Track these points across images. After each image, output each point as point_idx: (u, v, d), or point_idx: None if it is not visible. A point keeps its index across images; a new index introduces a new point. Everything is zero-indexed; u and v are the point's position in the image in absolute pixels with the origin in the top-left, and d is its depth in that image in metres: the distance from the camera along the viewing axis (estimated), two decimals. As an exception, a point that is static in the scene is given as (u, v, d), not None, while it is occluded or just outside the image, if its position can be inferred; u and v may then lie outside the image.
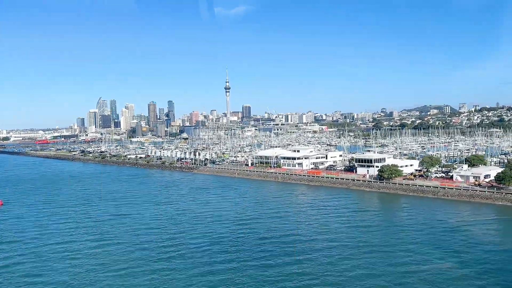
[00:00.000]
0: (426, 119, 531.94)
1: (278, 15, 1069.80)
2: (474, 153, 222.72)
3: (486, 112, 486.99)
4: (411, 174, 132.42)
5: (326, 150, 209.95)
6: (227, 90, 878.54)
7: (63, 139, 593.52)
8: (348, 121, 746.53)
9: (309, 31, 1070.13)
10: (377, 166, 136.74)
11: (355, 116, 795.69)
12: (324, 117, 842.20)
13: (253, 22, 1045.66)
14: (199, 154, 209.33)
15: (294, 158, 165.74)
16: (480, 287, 53.14)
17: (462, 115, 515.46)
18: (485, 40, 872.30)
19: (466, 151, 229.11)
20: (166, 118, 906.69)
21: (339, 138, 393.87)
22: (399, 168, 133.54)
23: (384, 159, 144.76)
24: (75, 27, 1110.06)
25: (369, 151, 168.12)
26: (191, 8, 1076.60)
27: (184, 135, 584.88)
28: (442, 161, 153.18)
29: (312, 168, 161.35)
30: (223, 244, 72.63)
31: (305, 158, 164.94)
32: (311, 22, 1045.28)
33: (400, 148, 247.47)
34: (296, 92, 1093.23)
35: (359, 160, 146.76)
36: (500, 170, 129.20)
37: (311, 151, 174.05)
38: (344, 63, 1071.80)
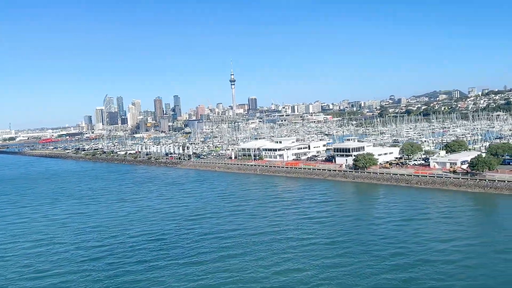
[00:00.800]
0: (432, 104, 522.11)
1: (286, 2, 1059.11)
2: (470, 137, 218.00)
3: (493, 95, 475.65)
4: (387, 162, 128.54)
5: (313, 140, 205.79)
6: (232, 83, 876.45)
7: (68, 137, 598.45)
8: (354, 110, 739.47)
9: (318, 20, 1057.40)
10: (354, 156, 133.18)
11: (362, 105, 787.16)
12: (331, 107, 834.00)
13: (262, 10, 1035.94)
14: (187, 148, 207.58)
15: (275, 150, 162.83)
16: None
17: (468, 99, 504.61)
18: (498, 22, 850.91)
19: (461, 136, 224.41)
20: (173, 113, 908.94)
21: (340, 127, 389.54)
22: (375, 156, 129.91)
23: (363, 148, 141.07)
24: (81, 24, 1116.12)
25: (348, 139, 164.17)
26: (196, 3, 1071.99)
27: (187, 129, 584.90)
28: (426, 147, 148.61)
29: (293, 159, 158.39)
30: (161, 242, 70.51)
31: (286, 150, 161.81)
32: (320, 10, 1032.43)
33: (395, 135, 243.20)
34: (304, 82, 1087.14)
35: (337, 150, 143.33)
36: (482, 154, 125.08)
37: (293, 142, 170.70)
38: (353, 51, 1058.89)
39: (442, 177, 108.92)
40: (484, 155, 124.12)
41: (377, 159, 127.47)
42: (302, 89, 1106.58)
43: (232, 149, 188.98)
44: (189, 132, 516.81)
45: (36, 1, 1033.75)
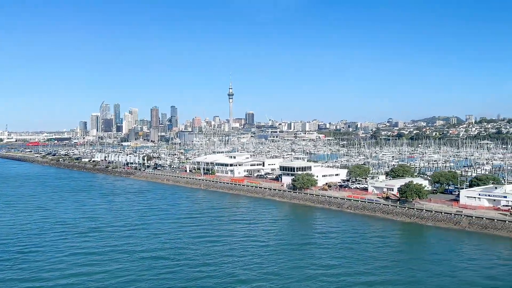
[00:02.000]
0: (424, 129, 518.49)
1: (291, 22, 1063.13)
2: (442, 164, 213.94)
3: (486, 124, 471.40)
4: (326, 184, 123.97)
5: (286, 156, 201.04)
6: (230, 97, 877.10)
7: (56, 141, 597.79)
8: (350, 130, 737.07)
9: (320, 41, 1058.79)
10: (294, 176, 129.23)
11: (358, 126, 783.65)
12: (328, 126, 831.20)
13: (265, 29, 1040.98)
14: (148, 159, 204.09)
15: (226, 165, 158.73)
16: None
17: (460, 126, 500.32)
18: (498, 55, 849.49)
19: (433, 162, 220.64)
20: (168, 123, 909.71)
21: (325, 146, 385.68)
22: (318, 177, 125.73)
23: (309, 168, 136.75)
24: (82, 32, 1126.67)
25: (297, 158, 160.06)
26: (200, 14, 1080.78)
27: (177, 140, 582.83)
28: (373, 170, 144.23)
29: (245, 176, 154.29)
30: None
31: (239, 165, 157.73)
32: (323, 31, 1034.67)
33: (369, 158, 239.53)
34: (304, 101, 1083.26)
35: (283, 168, 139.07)
36: (424, 182, 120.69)
37: (247, 158, 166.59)
38: (354, 74, 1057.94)
39: (372, 202, 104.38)
40: (426, 182, 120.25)
41: (317, 180, 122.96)
42: (301, 107, 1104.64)
43: (187, 163, 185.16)
44: (179, 143, 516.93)
45: (41, 5, 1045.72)
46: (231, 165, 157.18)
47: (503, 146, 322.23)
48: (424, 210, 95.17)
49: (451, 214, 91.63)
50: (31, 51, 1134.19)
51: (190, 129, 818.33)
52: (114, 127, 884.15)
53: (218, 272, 59.12)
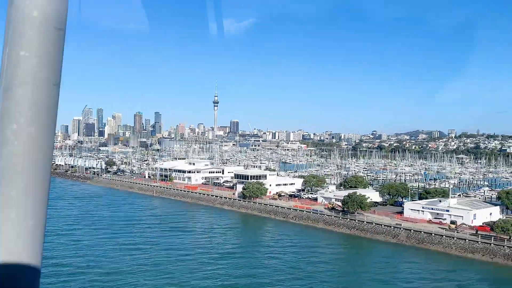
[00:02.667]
0: (404, 143, 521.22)
1: (279, 32, 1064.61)
2: (411, 176, 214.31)
3: (465, 138, 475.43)
4: (276, 193, 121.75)
5: (252, 164, 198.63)
6: (215, 104, 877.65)
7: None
8: (334, 141, 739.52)
9: (309, 51, 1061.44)
10: (244, 184, 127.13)
11: (342, 137, 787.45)
12: (312, 136, 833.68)
13: (253, 38, 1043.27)
14: (111, 164, 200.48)
15: (184, 172, 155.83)
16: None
17: (440, 140, 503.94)
18: (482, 67, 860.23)
19: (401, 174, 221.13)
20: (152, 129, 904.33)
21: (302, 156, 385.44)
22: (270, 186, 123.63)
23: (264, 176, 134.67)
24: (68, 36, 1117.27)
25: (254, 166, 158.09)
26: (186, 22, 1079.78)
27: (157, 146, 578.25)
28: (333, 180, 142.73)
29: (203, 183, 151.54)
30: None
31: (197, 172, 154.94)
32: (313, 43, 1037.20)
33: (339, 168, 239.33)
34: (292, 111, 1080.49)
35: (238, 176, 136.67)
36: (374, 193, 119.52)
37: (206, 165, 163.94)
38: (341, 86, 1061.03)
39: (317, 213, 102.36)
40: (377, 194, 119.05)
41: (267, 189, 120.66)
42: (288, 117, 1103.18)
43: (146, 169, 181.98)
44: (158, 149, 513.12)
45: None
46: (188, 171, 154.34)
47: (478, 161, 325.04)
48: (365, 222, 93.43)
49: (390, 227, 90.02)
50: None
51: (173, 136, 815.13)
52: (96, 131, 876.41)
53: (121, 281, 56.33)
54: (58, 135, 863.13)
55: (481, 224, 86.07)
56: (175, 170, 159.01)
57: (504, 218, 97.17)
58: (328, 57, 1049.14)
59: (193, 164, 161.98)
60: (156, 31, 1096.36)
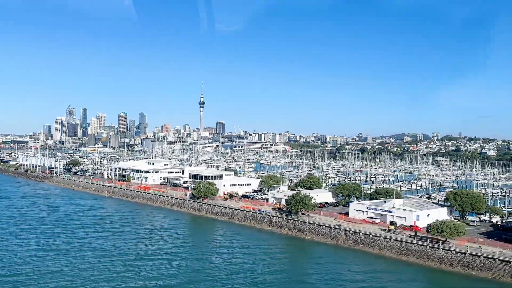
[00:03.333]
0: (386, 145, 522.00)
1: (268, 36, 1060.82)
2: (384, 178, 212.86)
3: (447, 141, 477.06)
4: (227, 194, 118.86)
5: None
6: (201, 106, 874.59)
7: (12, 144, 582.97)
8: (319, 143, 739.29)
9: (298, 55, 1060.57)
10: (194, 185, 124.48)
11: (327, 139, 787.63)
12: (298, 138, 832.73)
13: (242, 40, 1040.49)
14: (74, 164, 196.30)
15: (141, 172, 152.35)
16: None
17: (422, 143, 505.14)
18: (468, 72, 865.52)
19: (374, 175, 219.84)
20: (136, 129, 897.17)
21: (281, 158, 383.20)
22: (223, 187, 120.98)
23: (220, 176, 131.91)
24: (51, 36, 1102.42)
25: (212, 166, 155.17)
26: (174, 23, 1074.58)
27: (138, 147, 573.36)
28: (287, 180, 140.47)
29: (161, 183, 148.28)
30: None
31: (155, 172, 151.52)
32: (303, 46, 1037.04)
33: (314, 170, 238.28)
34: (280, 114, 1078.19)
35: (192, 176, 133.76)
36: (327, 193, 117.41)
37: (166, 165, 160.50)
38: (328, 90, 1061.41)
39: (262, 214, 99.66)
40: (329, 194, 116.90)
41: (218, 189, 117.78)
42: (275, 120, 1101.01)
43: (105, 169, 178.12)
44: (140, 150, 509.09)
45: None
46: (146, 171, 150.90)
47: (456, 163, 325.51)
48: (307, 223, 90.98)
49: (330, 228, 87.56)
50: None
51: (160, 137, 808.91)
52: (80, 131, 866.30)
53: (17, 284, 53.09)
54: (41, 135, 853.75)
55: (424, 226, 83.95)
56: (133, 170, 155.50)
57: (451, 219, 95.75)
58: (319, 61, 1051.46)
59: (152, 164, 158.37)
60: (143, 32, 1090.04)
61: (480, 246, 72.15)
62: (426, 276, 66.56)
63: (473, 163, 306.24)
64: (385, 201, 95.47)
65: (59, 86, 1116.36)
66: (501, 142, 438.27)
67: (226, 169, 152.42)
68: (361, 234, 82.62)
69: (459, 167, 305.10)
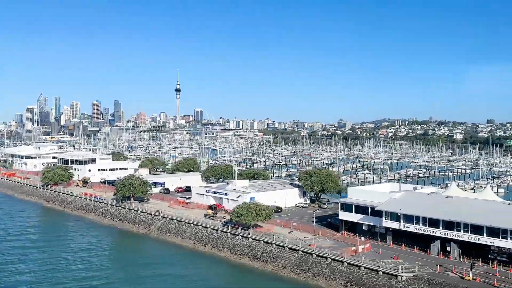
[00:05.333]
0: (356, 130, 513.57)
1: (250, 30, 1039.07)
2: (331, 161, 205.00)
3: (416, 125, 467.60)
4: (81, 179, 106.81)
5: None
6: (178, 93, 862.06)
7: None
8: (296, 130, 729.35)
9: (284, 42, 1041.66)
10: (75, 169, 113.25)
11: (305, 125, 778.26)
12: (276, 125, 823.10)
13: (222, 25, 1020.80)
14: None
15: (22, 157, 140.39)
16: None
17: (391, 127, 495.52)
18: (454, 59, 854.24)
19: (319, 160, 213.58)
20: (111, 118, 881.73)
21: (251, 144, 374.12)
22: (71, 172, 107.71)
23: (93, 160, 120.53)
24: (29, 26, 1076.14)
25: (91, 150, 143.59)
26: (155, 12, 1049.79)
27: (102, 135, 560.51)
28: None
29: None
30: None
31: (38, 158, 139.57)
32: (285, 33, 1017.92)
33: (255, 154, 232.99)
34: (261, 101, 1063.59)
35: (60, 161, 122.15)
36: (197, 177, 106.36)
37: (52, 149, 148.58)
38: (311, 76, 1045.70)
39: (97, 201, 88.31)
40: (199, 177, 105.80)
41: (72, 175, 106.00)
42: (257, 107, 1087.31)
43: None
44: (103, 138, 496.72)
45: None
46: (26, 157, 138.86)
47: (416, 147, 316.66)
48: (132, 210, 79.83)
49: (151, 215, 76.48)
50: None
51: (133, 125, 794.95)
52: (53, 121, 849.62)
53: None
54: (12, 124, 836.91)
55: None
56: (16, 156, 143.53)
57: (304, 201, 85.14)
58: (304, 47, 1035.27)
59: (39, 148, 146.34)
60: (115, 16, 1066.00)
61: (290, 232, 61.47)
62: (209, 269, 55.72)
63: (438, 146, 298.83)
64: (227, 183, 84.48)
65: (29, 74, 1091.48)
66: (470, 125, 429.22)
67: (113, 154, 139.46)
68: (175, 221, 71.61)
69: (418, 150, 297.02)
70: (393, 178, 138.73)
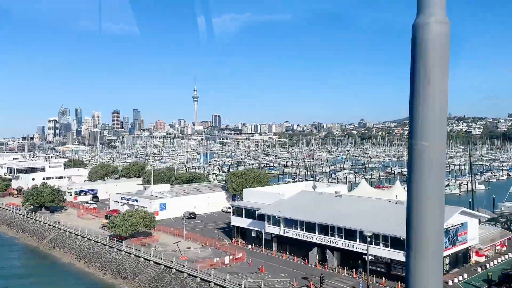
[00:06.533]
0: (373, 130, 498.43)
1: (265, 28, 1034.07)
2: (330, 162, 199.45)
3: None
4: (17, 189, 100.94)
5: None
6: (195, 99, 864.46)
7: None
8: (315, 131, 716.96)
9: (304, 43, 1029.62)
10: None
11: (324, 127, 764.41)
12: (295, 127, 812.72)
13: (239, 32, 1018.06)
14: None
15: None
16: None
17: (406, 126, 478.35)
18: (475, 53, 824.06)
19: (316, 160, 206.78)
20: (130, 127, 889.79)
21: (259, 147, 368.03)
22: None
23: (43, 169, 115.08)
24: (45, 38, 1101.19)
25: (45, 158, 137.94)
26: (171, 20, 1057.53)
27: (117, 144, 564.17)
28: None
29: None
30: None
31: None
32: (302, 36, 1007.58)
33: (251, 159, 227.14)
34: (281, 104, 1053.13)
35: (10, 170, 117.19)
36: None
37: (16, 159, 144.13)
38: (332, 78, 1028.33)
39: (14, 212, 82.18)
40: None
41: (9, 184, 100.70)
42: (276, 110, 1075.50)
43: None
44: (116, 147, 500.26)
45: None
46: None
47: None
48: (41, 223, 73.02)
49: (51, 226, 69.52)
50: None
51: (155, 133, 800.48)
52: (74, 131, 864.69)
53: None
54: (35, 136, 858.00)
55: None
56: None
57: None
58: (322, 50, 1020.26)
59: (2, 158, 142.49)
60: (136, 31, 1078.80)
61: (178, 242, 53.02)
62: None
63: (456, 142, 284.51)
64: (145, 188, 76.82)
65: (51, 87, 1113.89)
66: (491, 120, 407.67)
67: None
68: (67, 233, 64.33)
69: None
70: (377, 177, 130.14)
